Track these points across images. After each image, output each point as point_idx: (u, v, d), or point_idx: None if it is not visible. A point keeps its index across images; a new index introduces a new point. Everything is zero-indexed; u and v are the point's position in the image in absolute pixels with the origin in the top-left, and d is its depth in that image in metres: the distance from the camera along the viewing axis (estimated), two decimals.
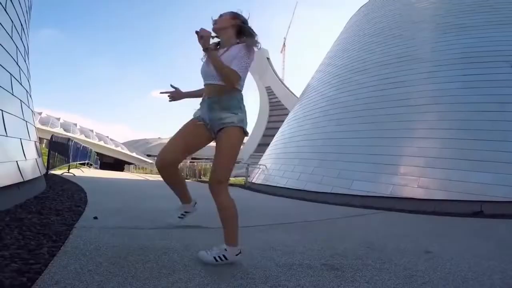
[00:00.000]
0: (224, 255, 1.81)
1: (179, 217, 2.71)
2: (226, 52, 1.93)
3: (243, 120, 1.91)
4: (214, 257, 1.81)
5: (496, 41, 6.91)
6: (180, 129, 2.05)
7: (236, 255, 1.84)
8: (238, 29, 2.02)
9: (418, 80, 7.30)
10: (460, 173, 5.53)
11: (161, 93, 2.37)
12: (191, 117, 2.08)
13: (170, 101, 2.34)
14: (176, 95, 2.34)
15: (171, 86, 2.32)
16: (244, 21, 2.05)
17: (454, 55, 7.15)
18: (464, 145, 5.81)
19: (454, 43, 7.43)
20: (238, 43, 1.97)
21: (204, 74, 1.99)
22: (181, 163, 22.26)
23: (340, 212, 4.94)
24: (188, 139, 2.01)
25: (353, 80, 9.03)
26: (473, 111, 6.11)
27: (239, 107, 1.91)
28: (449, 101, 6.57)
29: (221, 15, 2.06)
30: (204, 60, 2.03)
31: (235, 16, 2.03)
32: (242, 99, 1.95)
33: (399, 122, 6.94)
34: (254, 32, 2.02)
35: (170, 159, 2.07)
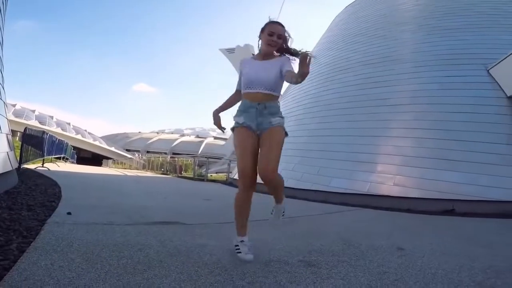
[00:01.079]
0: (283, 210, 2.30)
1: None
2: (274, 61, 2.11)
3: (284, 123, 2.15)
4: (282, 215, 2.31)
5: (473, 44, 7.14)
6: (245, 143, 2.05)
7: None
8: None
9: (399, 80, 7.46)
10: (434, 172, 5.72)
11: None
12: (232, 124, 2.16)
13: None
14: (219, 120, 2.34)
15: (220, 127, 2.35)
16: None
17: (434, 57, 7.35)
18: (439, 145, 6.01)
19: (434, 45, 7.63)
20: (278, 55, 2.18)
21: (260, 82, 2.07)
22: (162, 158, 21.97)
23: (319, 209, 5.02)
24: (255, 152, 2.06)
25: (336, 78, 9.13)
26: (448, 112, 6.32)
27: (281, 112, 2.15)
28: (426, 102, 6.76)
29: (280, 24, 2.14)
30: (256, 68, 2.10)
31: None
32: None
33: (378, 121, 7.09)
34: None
35: (254, 176, 2.05)
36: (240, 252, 1.95)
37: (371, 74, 8.11)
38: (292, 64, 2.09)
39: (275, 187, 2.11)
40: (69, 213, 2.80)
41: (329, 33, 12.86)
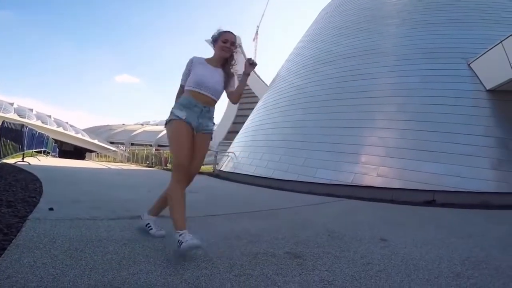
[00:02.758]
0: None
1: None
2: (222, 73, 2.29)
3: None
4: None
5: (455, 38, 7.31)
6: (183, 137, 2.11)
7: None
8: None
9: (381, 73, 7.57)
10: (416, 163, 5.87)
11: None
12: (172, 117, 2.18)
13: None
14: None
15: None
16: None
17: (416, 50, 7.48)
18: (420, 136, 6.16)
19: (417, 39, 7.77)
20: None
21: (210, 87, 2.20)
22: (147, 151, 21.67)
23: (305, 200, 5.08)
24: (192, 146, 2.15)
25: (320, 70, 9.19)
26: (429, 104, 6.47)
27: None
28: (408, 94, 6.90)
29: (233, 33, 2.33)
30: (210, 73, 2.23)
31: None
32: None
33: (362, 113, 7.20)
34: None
35: (188, 165, 2.13)
36: (183, 243, 1.74)
37: (354, 66, 8.21)
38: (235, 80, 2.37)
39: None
40: (51, 209, 2.73)
41: (314, 26, 12.89)
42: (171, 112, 2.18)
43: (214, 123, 2.33)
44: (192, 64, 2.28)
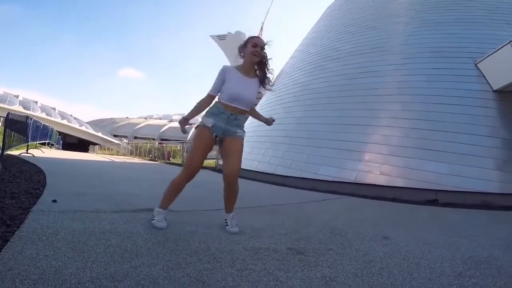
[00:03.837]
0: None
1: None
2: (255, 81, 2.39)
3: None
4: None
5: (462, 38, 7.21)
6: (201, 143, 2.31)
7: None
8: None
9: (387, 71, 7.51)
10: (419, 162, 5.83)
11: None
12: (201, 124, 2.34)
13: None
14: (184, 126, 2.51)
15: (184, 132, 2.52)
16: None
17: (422, 49, 7.39)
18: (425, 135, 6.11)
19: (423, 37, 7.68)
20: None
21: (245, 101, 2.32)
22: (150, 144, 21.78)
23: (307, 197, 5.08)
24: (206, 152, 2.37)
25: (325, 67, 9.13)
26: (435, 103, 6.41)
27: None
28: (413, 93, 6.84)
29: (261, 38, 2.40)
30: (244, 85, 2.31)
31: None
32: None
33: (366, 111, 7.15)
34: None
35: (198, 170, 2.35)
36: (153, 220, 2.27)
37: (360, 64, 8.14)
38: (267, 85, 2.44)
39: (234, 189, 2.41)
40: (54, 201, 2.75)
41: (320, 23, 12.79)
42: (201, 120, 2.34)
43: (244, 131, 2.44)
44: (225, 75, 2.32)
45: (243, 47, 2.37)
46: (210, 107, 2.37)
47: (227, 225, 2.37)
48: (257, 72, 2.41)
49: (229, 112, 2.28)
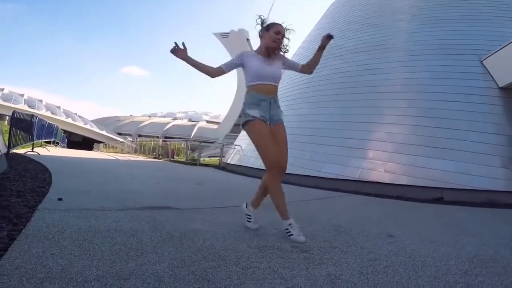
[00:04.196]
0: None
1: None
2: (276, 59, 2.35)
3: None
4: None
5: (467, 35, 7.16)
6: (264, 135, 2.22)
7: None
8: None
9: (391, 68, 7.47)
10: (424, 160, 5.80)
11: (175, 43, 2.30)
12: (250, 117, 2.24)
13: (171, 51, 2.29)
14: (180, 52, 2.29)
15: (175, 43, 2.29)
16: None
17: (427, 46, 7.34)
18: (430, 133, 6.07)
19: (428, 34, 7.62)
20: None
21: (269, 76, 2.27)
22: (154, 142, 21.85)
23: (311, 194, 5.07)
24: (273, 140, 2.26)
25: (329, 65, 9.08)
26: (440, 100, 6.37)
27: None
28: (418, 90, 6.79)
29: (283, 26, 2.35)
30: (265, 63, 2.28)
31: None
32: None
33: (370, 108, 7.12)
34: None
35: (279, 161, 2.24)
36: (292, 235, 2.15)
37: (364, 61, 8.11)
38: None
39: (280, 188, 2.30)
40: (60, 199, 2.77)
41: (324, 20, 12.72)
42: (246, 114, 2.26)
43: (281, 111, 2.38)
44: (243, 57, 2.31)
45: (263, 30, 2.33)
46: (245, 98, 2.31)
47: (291, 234, 2.14)
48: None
49: (267, 96, 2.26)
